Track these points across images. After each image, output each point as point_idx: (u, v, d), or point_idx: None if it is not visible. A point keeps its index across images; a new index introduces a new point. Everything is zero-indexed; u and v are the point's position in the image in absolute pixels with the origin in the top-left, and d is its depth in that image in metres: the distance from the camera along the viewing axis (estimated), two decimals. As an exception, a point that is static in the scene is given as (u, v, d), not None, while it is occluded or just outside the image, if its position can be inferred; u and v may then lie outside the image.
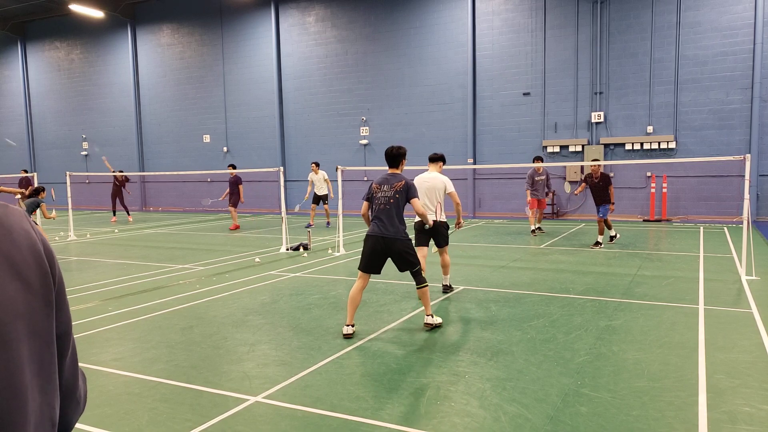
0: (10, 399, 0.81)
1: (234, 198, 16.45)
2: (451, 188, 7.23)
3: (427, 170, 7.49)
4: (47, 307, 0.90)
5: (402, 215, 5.85)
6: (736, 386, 4.29)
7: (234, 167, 16.67)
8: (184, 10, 24.34)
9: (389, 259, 5.89)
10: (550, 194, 16.19)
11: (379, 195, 5.85)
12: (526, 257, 10.73)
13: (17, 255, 0.87)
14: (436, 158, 7.48)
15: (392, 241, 5.73)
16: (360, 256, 5.96)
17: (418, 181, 7.32)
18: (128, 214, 19.99)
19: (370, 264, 5.84)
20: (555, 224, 16.36)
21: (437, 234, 7.25)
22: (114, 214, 20.16)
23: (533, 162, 13.86)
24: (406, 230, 5.90)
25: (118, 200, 19.70)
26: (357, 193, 21.00)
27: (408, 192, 5.84)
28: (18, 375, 0.82)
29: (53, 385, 0.90)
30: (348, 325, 5.76)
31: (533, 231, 13.81)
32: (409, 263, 5.81)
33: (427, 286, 5.92)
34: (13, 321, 0.83)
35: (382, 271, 5.95)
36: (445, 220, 7.37)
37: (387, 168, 6.08)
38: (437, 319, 5.99)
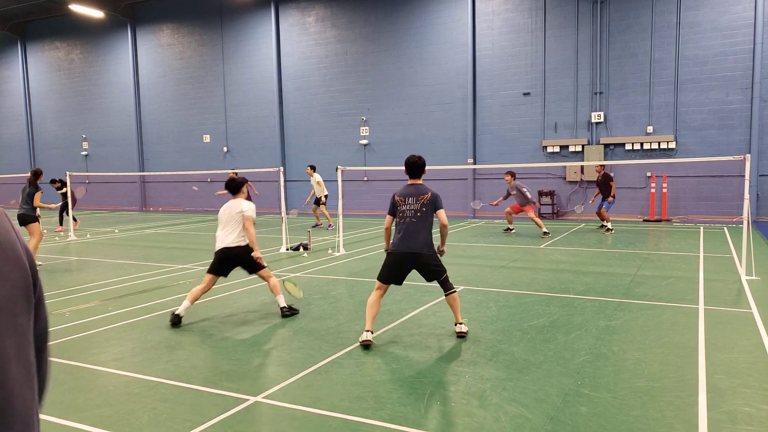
0: (1, 389, 0.81)
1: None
2: (249, 213, 6.63)
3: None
4: (28, 305, 0.90)
5: (430, 228, 5.63)
6: (736, 386, 4.29)
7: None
8: (184, 10, 24.34)
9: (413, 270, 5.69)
10: (538, 202, 17.49)
11: (404, 208, 5.58)
12: (526, 257, 10.73)
13: None
14: (239, 186, 6.88)
15: (418, 255, 5.53)
16: (381, 266, 5.74)
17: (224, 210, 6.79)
18: (60, 224, 17.62)
19: (392, 276, 5.66)
20: (555, 224, 16.36)
21: (244, 262, 6.69)
22: (61, 223, 17.77)
23: (506, 174, 14.39)
24: (433, 244, 5.66)
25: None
26: (357, 194, 21.03)
27: (435, 203, 5.60)
28: (6, 367, 0.83)
29: (33, 380, 0.91)
30: (367, 331, 5.49)
31: (507, 229, 14.74)
32: (435, 273, 5.60)
33: (455, 291, 5.68)
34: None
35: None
36: (245, 244, 6.68)
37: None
38: (466, 327, 5.75)
